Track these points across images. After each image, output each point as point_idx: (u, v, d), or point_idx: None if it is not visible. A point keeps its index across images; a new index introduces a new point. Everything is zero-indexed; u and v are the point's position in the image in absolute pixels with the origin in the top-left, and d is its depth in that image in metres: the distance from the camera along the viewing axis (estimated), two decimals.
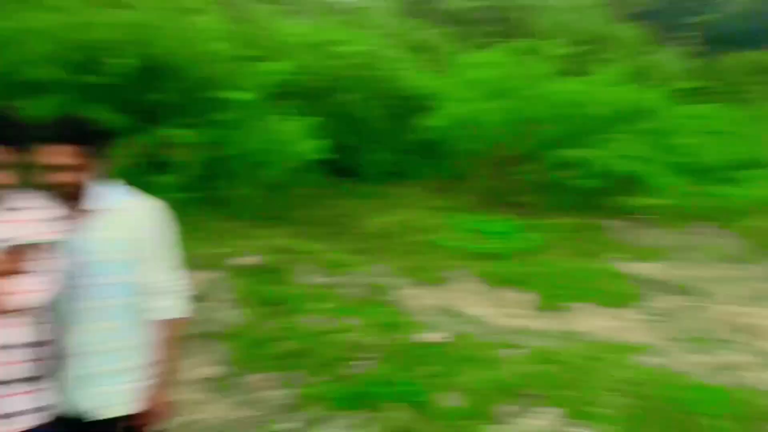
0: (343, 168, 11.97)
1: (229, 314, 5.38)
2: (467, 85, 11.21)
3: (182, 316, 2.18)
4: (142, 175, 7.92)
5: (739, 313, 6.66)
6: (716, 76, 20.91)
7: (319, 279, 6.77)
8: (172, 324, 2.15)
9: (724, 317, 6.52)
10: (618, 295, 7.13)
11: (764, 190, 11.53)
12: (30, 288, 1.71)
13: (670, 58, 21.17)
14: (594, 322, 6.25)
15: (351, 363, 4.59)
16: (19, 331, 1.75)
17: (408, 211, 10.29)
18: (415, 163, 13.04)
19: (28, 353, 1.78)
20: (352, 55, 11.96)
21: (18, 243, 1.71)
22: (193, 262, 2.23)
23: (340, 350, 4.74)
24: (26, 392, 1.79)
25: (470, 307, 6.49)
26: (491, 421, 3.92)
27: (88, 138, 1.97)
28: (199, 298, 5.01)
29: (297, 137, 8.81)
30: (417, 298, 6.55)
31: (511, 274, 7.53)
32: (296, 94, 10.58)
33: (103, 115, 7.14)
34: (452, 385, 4.31)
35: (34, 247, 1.73)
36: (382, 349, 4.86)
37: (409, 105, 12.66)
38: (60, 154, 1.91)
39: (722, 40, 24.82)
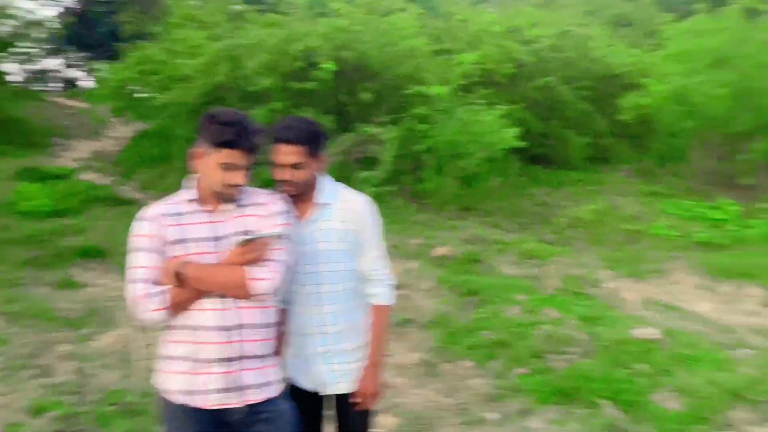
0: (537, 156, 11.62)
1: (428, 303, 5.53)
2: (681, 58, 10.09)
3: (389, 303, 2.31)
4: (344, 171, 8.49)
5: None
6: None
7: (517, 270, 6.66)
8: (381, 310, 2.29)
9: None
10: None
11: None
12: (265, 275, 1.91)
13: None
14: None
15: (552, 356, 4.45)
16: (258, 313, 1.97)
17: (612, 197, 9.66)
18: (618, 146, 12.19)
19: (265, 333, 2.00)
20: (544, 38, 11.53)
21: (253, 236, 1.92)
22: (392, 253, 2.33)
23: (540, 342, 4.62)
24: (264, 367, 2.00)
25: (687, 301, 5.92)
26: (716, 428, 3.53)
27: (313, 138, 2.16)
28: (399, 286, 5.22)
29: (492, 127, 8.74)
30: (627, 290, 6.13)
31: (734, 265, 6.67)
32: (489, 83, 10.50)
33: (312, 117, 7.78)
34: (668, 386, 3.96)
35: (267, 238, 1.93)
36: (586, 343, 4.63)
37: (610, 85, 11.88)
38: (290, 154, 2.11)
39: None
